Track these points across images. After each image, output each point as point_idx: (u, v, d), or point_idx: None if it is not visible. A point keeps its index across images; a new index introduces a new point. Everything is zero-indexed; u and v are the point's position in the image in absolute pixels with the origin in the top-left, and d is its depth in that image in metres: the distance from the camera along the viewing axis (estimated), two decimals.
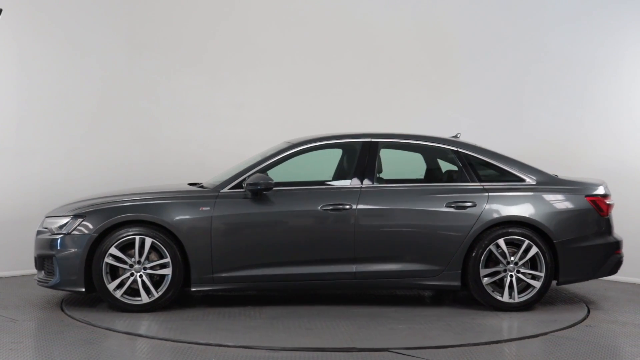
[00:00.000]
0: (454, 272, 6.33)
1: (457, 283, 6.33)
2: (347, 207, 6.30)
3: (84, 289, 6.14)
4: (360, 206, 6.32)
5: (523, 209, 6.38)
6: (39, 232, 6.44)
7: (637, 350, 5.25)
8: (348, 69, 9.92)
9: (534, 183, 6.51)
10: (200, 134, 9.35)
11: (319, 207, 6.31)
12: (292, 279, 6.30)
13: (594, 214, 6.48)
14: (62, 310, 6.23)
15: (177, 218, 6.21)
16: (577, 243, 6.40)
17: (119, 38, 8.82)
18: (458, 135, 6.99)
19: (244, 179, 6.36)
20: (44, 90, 8.22)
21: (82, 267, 6.10)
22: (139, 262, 6.14)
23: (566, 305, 6.53)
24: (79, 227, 6.20)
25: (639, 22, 8.03)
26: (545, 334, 5.59)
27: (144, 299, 6.13)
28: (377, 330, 5.64)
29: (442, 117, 9.21)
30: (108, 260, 6.10)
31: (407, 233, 6.36)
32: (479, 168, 6.61)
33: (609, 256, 6.52)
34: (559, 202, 6.44)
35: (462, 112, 9.25)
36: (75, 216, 6.28)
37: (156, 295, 6.13)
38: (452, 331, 5.66)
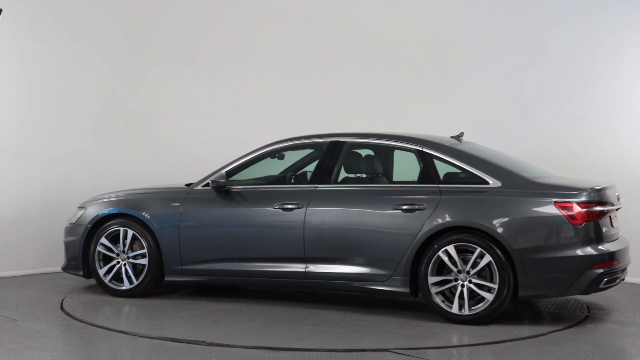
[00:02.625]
0: (402, 278, 5.94)
1: (405, 290, 5.95)
2: (298, 206, 6.31)
3: (81, 273, 6.90)
4: (311, 206, 6.29)
5: (475, 214, 5.82)
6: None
7: (637, 350, 5.25)
8: (348, 68, 9.92)
9: (498, 186, 5.90)
10: (200, 134, 9.36)
11: (273, 206, 6.39)
12: (248, 275, 6.48)
13: (563, 222, 5.67)
14: (62, 310, 6.23)
15: (152, 212, 6.73)
16: (539, 254, 5.67)
17: (119, 38, 8.81)
18: (462, 134, 6.74)
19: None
20: (44, 91, 8.22)
21: (80, 254, 6.86)
22: (123, 252, 6.75)
23: (566, 305, 6.52)
24: (80, 218, 6.99)
25: (639, 22, 8.03)
26: (545, 334, 5.58)
27: (126, 285, 6.71)
28: (377, 330, 5.64)
29: (442, 117, 9.21)
30: (99, 248, 6.79)
31: (354, 235, 6.15)
32: (443, 169, 6.20)
33: (582, 271, 5.64)
34: (521, 207, 5.77)
35: (462, 112, 9.24)
36: (80, 208, 7.13)
37: (135, 282, 6.68)
38: (452, 331, 5.66)
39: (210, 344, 5.15)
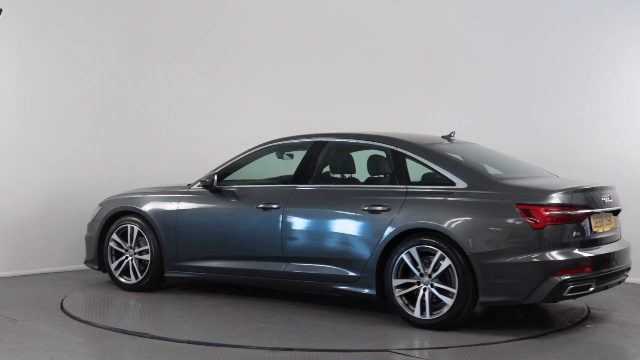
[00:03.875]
0: (369, 280, 5.87)
1: (372, 292, 5.88)
2: (277, 206, 6.37)
3: (97, 267, 7.32)
4: (288, 207, 6.33)
5: (436, 216, 5.65)
6: None
7: (637, 350, 5.25)
8: (348, 68, 9.92)
9: (464, 187, 5.71)
10: (200, 134, 9.36)
11: (255, 206, 6.48)
12: (235, 272, 6.62)
13: (524, 225, 5.39)
14: (62, 310, 6.24)
15: (154, 210, 7.03)
16: (499, 258, 5.40)
17: (119, 38, 8.82)
18: (453, 134, 6.66)
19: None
20: (44, 90, 8.22)
21: (95, 248, 7.28)
22: (131, 248, 7.10)
23: (566, 305, 6.52)
24: (97, 215, 7.41)
25: (639, 22, 8.02)
26: (545, 334, 5.58)
27: (132, 279, 7.07)
28: (377, 331, 5.64)
29: (442, 117, 9.21)
30: (111, 244, 7.19)
31: (326, 235, 6.17)
32: (414, 169, 6.08)
33: (543, 278, 5.34)
34: (482, 209, 5.55)
35: (462, 112, 9.24)
36: (99, 205, 7.52)
37: (140, 277, 7.01)
38: (452, 331, 5.66)
39: (210, 344, 5.15)
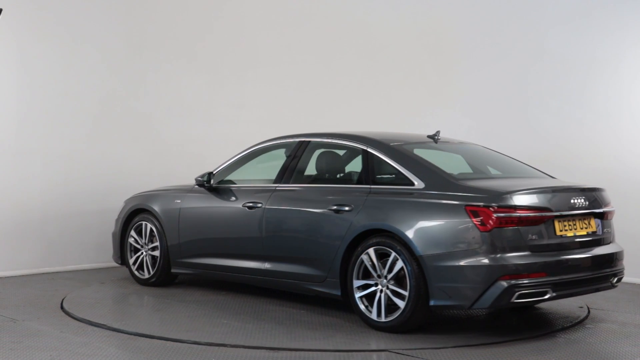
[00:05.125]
0: (335, 280, 5.84)
1: (337, 292, 5.86)
2: (260, 205, 6.43)
3: (120, 262, 7.59)
4: (269, 205, 6.39)
5: (391, 216, 5.55)
6: None
7: (637, 350, 5.25)
8: (348, 68, 9.93)
9: (421, 188, 5.58)
10: (200, 134, 9.37)
11: (241, 205, 6.57)
12: (224, 270, 6.73)
13: (472, 227, 5.19)
14: (62, 310, 6.24)
15: (163, 208, 7.22)
16: (448, 261, 5.24)
17: (119, 38, 8.82)
18: (438, 133, 6.47)
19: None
20: (44, 90, 8.22)
21: (118, 244, 7.59)
22: (145, 244, 7.33)
23: (566, 305, 6.52)
24: (121, 212, 7.65)
25: (639, 22, 8.02)
26: (545, 334, 5.59)
27: (145, 274, 7.31)
28: (376, 331, 5.65)
29: (442, 117, 9.21)
30: (130, 240, 7.46)
31: (298, 234, 6.19)
32: (381, 168, 5.99)
33: (490, 282, 5.12)
34: (433, 210, 5.40)
35: (462, 112, 9.25)
36: (124, 202, 7.72)
37: (151, 272, 7.24)
38: (454, 331, 5.65)
39: (210, 344, 5.15)
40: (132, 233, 7.46)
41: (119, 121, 8.80)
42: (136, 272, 7.42)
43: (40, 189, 8.18)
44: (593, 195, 5.78)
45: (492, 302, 5.14)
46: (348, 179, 6.36)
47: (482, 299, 5.15)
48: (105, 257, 8.60)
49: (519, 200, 5.26)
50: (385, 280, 5.52)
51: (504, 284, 5.10)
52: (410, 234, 5.39)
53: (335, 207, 5.90)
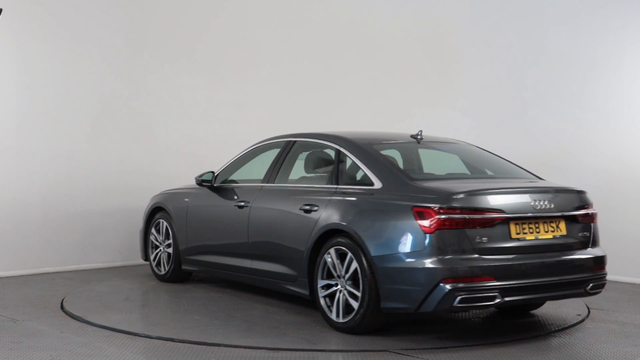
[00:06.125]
0: (304, 279, 5.83)
1: (306, 292, 5.84)
2: (247, 204, 6.53)
3: (144, 258, 7.84)
4: (254, 204, 6.47)
5: (348, 217, 5.50)
6: None
7: (637, 350, 5.24)
8: (348, 68, 9.92)
9: (379, 188, 5.52)
10: (200, 134, 9.37)
11: (232, 204, 6.69)
12: (219, 267, 6.89)
13: (417, 229, 5.06)
14: (62, 310, 6.24)
15: (174, 206, 7.41)
16: (395, 263, 5.14)
17: (119, 38, 8.82)
18: (420, 132, 6.31)
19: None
20: (44, 90, 8.22)
21: (142, 241, 7.85)
22: (162, 241, 7.55)
23: (566, 305, 6.52)
24: (145, 209, 7.86)
25: (639, 22, 8.02)
26: (545, 334, 5.59)
27: (162, 271, 7.55)
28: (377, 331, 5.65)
29: (442, 117, 9.22)
30: (152, 237, 7.69)
31: (274, 234, 6.22)
32: (349, 169, 5.96)
33: (432, 285, 4.97)
34: (386, 211, 5.31)
35: (462, 112, 9.25)
36: (150, 199, 7.89)
37: (167, 269, 7.47)
38: (454, 331, 5.65)
39: (210, 344, 5.15)
40: (153, 230, 7.70)
41: (119, 121, 8.80)
42: (155, 269, 7.66)
43: (40, 189, 8.18)
44: (568, 197, 5.55)
45: (436, 306, 4.99)
46: (322, 178, 6.26)
47: (426, 303, 5.02)
48: (106, 257, 8.61)
49: (467, 201, 5.08)
50: (343, 281, 5.49)
51: (446, 287, 4.94)
52: (363, 234, 5.32)
53: (306, 207, 5.90)
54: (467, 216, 5.02)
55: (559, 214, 5.40)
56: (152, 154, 9.03)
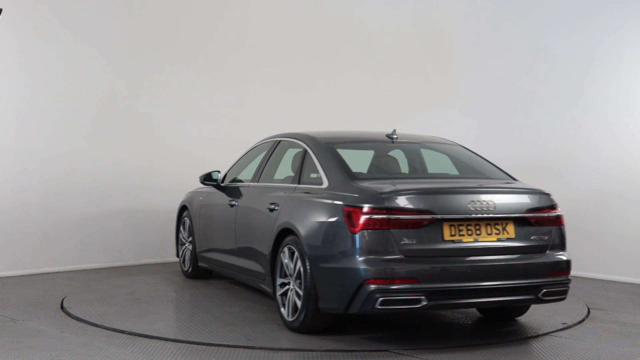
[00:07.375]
0: (270, 278, 5.83)
1: (271, 290, 5.83)
2: (235, 203, 6.69)
3: (177, 256, 8.07)
4: (241, 203, 6.59)
5: (294, 216, 5.51)
6: None
7: (637, 350, 5.25)
8: (348, 68, 9.93)
9: (325, 187, 5.47)
10: (200, 134, 9.37)
11: (226, 202, 6.84)
12: (219, 265, 7.07)
13: (344, 229, 4.96)
14: (62, 310, 6.24)
15: (192, 205, 7.70)
16: (327, 262, 5.09)
17: (119, 38, 8.82)
18: (394, 131, 6.21)
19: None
20: (44, 90, 8.22)
21: (176, 238, 8.15)
22: (186, 239, 7.84)
23: (566, 305, 6.52)
24: (178, 208, 8.09)
25: (639, 22, 8.03)
26: (545, 334, 5.59)
27: (185, 267, 7.82)
28: (378, 332, 5.65)
29: (442, 117, 9.22)
30: (180, 235, 7.98)
31: (249, 232, 6.34)
32: (309, 168, 5.90)
33: (356, 286, 4.87)
34: (324, 210, 5.23)
35: (462, 112, 9.26)
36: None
37: (188, 265, 7.76)
38: (455, 332, 5.65)
39: (210, 344, 5.15)
40: (181, 228, 8.01)
41: (119, 121, 8.80)
42: (181, 265, 7.97)
43: (40, 189, 8.18)
44: (523, 199, 5.28)
45: (360, 307, 4.90)
46: (290, 178, 6.21)
47: (353, 304, 4.93)
48: (106, 257, 8.61)
49: (394, 201, 4.94)
50: (293, 280, 5.48)
51: (368, 288, 4.83)
52: (304, 234, 5.31)
53: (271, 206, 5.94)
54: (391, 216, 4.88)
55: (504, 215, 5.13)
56: (152, 154, 9.03)
